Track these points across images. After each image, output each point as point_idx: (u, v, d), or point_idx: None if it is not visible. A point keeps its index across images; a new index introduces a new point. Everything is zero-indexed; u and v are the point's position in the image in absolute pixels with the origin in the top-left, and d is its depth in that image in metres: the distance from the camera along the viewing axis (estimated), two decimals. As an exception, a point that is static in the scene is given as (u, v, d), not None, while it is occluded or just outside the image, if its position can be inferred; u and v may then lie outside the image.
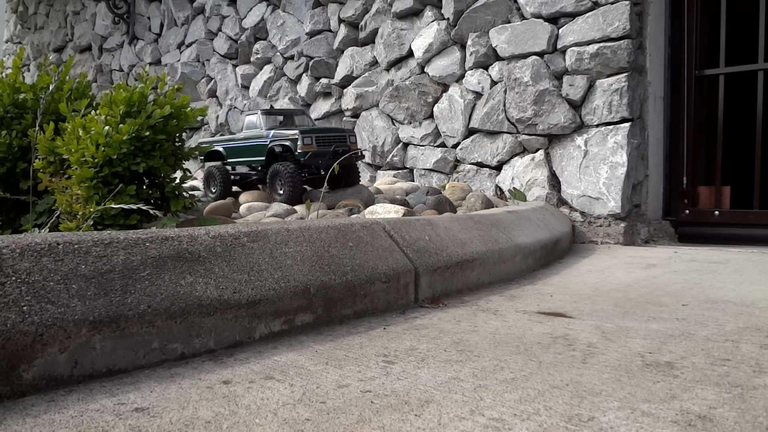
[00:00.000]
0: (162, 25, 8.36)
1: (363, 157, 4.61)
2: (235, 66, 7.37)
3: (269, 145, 4.02)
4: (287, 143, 3.91)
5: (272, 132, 4.04)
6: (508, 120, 4.86)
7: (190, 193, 3.32)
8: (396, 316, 2.23)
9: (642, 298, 2.59)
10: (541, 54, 4.67)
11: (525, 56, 4.74)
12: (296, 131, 3.87)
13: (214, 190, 4.34)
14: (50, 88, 3.05)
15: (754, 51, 4.54)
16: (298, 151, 3.85)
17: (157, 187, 2.94)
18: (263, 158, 4.07)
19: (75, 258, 1.53)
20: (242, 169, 4.38)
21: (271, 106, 5.23)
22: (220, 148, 4.46)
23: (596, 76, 4.43)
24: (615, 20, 4.28)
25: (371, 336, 1.92)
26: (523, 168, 4.81)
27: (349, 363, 1.61)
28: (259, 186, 4.89)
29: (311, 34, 6.44)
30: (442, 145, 5.37)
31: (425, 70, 5.47)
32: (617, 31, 4.27)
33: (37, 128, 2.88)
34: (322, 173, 4.06)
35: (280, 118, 4.35)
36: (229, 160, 4.36)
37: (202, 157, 4.61)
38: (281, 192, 3.91)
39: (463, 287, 2.75)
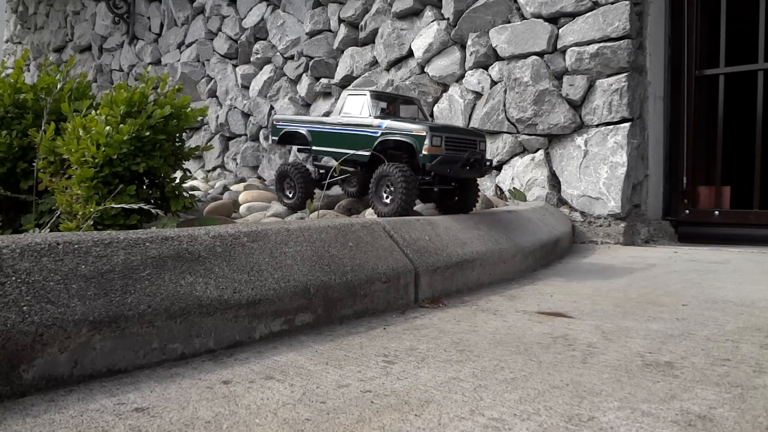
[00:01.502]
0: (162, 25, 8.36)
1: (490, 169, 3.53)
2: (235, 66, 7.37)
3: (379, 138, 3.23)
4: (408, 140, 3.10)
5: (385, 122, 3.22)
6: (508, 120, 4.86)
7: (190, 193, 3.32)
8: (396, 316, 2.23)
9: (642, 298, 2.59)
10: (541, 54, 4.67)
11: (525, 56, 4.74)
12: (424, 126, 3.06)
13: (290, 195, 3.66)
14: (57, 88, 3.05)
15: (754, 51, 4.54)
16: (423, 152, 3.02)
17: (157, 187, 2.94)
18: (368, 154, 3.29)
19: (75, 258, 1.53)
20: (331, 163, 3.55)
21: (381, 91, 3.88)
22: (304, 131, 3.63)
23: (596, 76, 4.43)
24: (615, 20, 4.28)
25: (371, 336, 1.92)
26: (523, 168, 4.81)
27: (349, 363, 1.61)
28: (347, 191, 3.99)
29: (311, 34, 6.44)
30: (442, 145, 5.36)
31: (425, 70, 5.47)
32: (617, 31, 4.27)
33: (42, 129, 2.88)
34: (440, 187, 3.28)
35: (385, 104, 3.67)
36: (314, 148, 3.60)
37: (275, 137, 3.85)
38: (387, 201, 3.10)
39: (463, 287, 2.75)
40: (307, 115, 4.27)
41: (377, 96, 3.42)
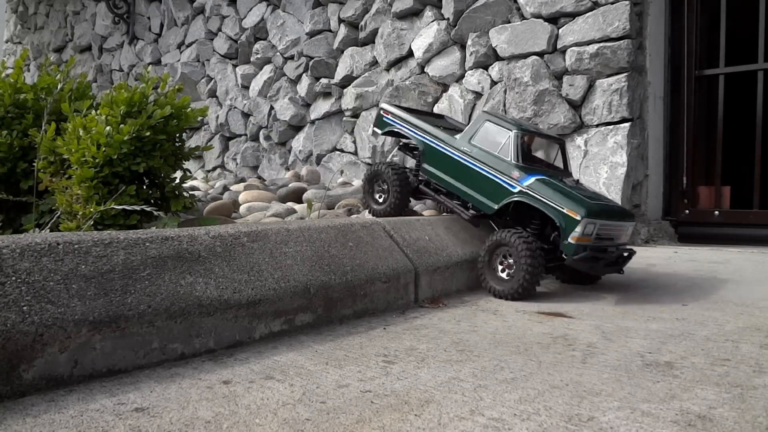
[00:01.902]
0: (162, 25, 8.36)
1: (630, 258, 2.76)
2: (235, 66, 7.37)
3: (515, 197, 2.64)
4: (553, 216, 2.52)
5: (530, 181, 2.60)
6: (508, 120, 4.86)
7: (190, 193, 3.32)
8: (396, 316, 2.23)
9: (642, 297, 2.59)
10: (541, 54, 4.68)
11: (525, 56, 4.75)
12: (579, 208, 2.45)
13: (381, 200, 3.15)
14: (57, 88, 3.05)
15: (754, 51, 4.54)
16: (569, 241, 2.46)
17: (158, 187, 2.94)
18: (495, 206, 2.72)
19: (75, 258, 1.53)
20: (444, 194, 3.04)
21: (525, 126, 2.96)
22: (417, 139, 3.06)
23: (596, 76, 4.43)
24: (615, 20, 4.28)
25: (371, 336, 1.92)
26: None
27: (349, 363, 1.61)
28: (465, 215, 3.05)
29: (311, 34, 6.44)
30: (442, 145, 5.36)
31: (425, 70, 5.47)
32: (617, 31, 4.27)
33: (43, 129, 2.88)
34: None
35: (540, 143, 3.00)
36: (426, 166, 3.01)
37: (378, 129, 3.31)
38: (503, 276, 2.59)
39: (464, 287, 2.75)
40: (424, 114, 3.49)
41: (524, 133, 2.75)
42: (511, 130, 2.71)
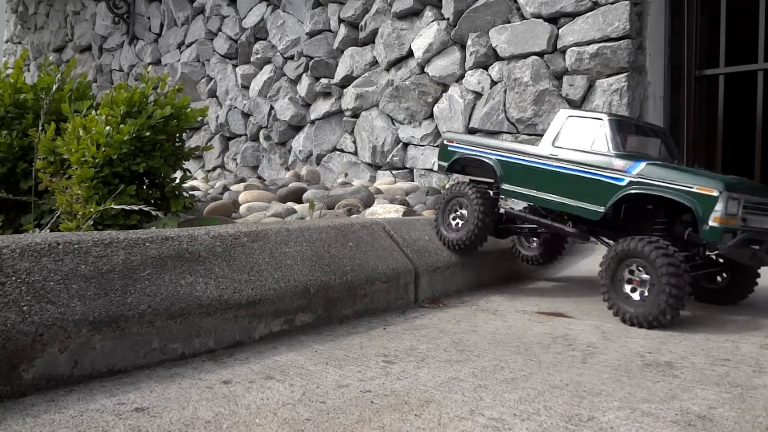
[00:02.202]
0: (162, 25, 8.36)
1: None
2: (235, 66, 7.37)
3: (625, 190, 2.21)
4: (682, 200, 2.08)
5: (639, 166, 2.20)
6: (508, 120, 4.86)
7: (190, 193, 3.32)
8: (396, 316, 2.23)
9: (642, 298, 2.59)
10: (541, 54, 4.67)
11: (525, 56, 4.74)
12: (715, 181, 2.05)
13: (457, 227, 2.70)
14: (54, 88, 3.05)
15: (754, 51, 4.54)
16: (711, 224, 2.01)
17: (158, 187, 2.94)
18: (600, 209, 2.28)
19: (75, 258, 1.53)
20: (532, 211, 2.69)
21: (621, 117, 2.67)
22: (492, 159, 2.68)
23: (596, 76, 4.43)
24: (615, 20, 4.28)
25: (371, 336, 1.92)
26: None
27: (349, 363, 1.61)
28: (523, 254, 3.01)
29: (311, 34, 6.44)
30: (442, 145, 5.36)
31: (425, 70, 5.47)
32: (617, 31, 4.27)
33: (41, 127, 2.88)
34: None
35: (638, 137, 2.51)
36: (506, 187, 2.63)
37: (443, 163, 2.93)
38: (637, 298, 2.11)
39: (464, 287, 2.75)
40: (489, 137, 3.15)
41: (621, 123, 2.37)
42: (601, 119, 2.36)
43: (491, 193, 2.72)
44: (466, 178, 2.98)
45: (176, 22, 8.14)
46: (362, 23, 5.96)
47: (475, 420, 1.23)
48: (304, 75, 6.53)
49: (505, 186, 2.63)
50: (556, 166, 2.42)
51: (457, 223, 2.71)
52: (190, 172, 3.18)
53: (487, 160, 2.70)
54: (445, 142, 2.97)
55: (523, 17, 4.85)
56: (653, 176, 2.14)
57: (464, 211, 2.67)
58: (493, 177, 2.72)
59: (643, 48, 4.49)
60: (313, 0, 6.43)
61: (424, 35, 5.42)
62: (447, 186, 2.93)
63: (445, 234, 2.71)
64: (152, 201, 2.90)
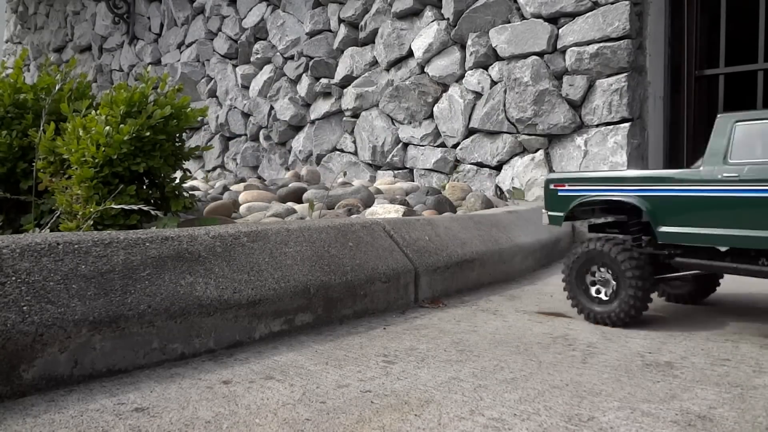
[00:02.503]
0: (162, 25, 8.36)
1: None
2: (235, 66, 7.37)
3: None
4: None
5: None
6: (508, 120, 4.86)
7: (190, 193, 3.32)
8: (396, 316, 2.23)
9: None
10: (541, 54, 4.68)
11: (525, 56, 4.75)
12: None
13: (605, 298, 2.11)
14: (55, 89, 3.05)
15: (754, 51, 4.54)
16: None
17: (157, 187, 2.94)
18: None
19: (75, 258, 1.53)
20: (701, 254, 2.04)
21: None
22: (640, 194, 2.09)
23: (596, 76, 4.43)
24: (615, 20, 4.28)
25: (371, 336, 1.92)
26: (523, 168, 4.81)
27: (349, 363, 1.61)
28: (669, 293, 2.46)
29: (311, 34, 6.44)
30: (442, 145, 5.37)
31: (425, 70, 5.47)
32: (617, 31, 4.27)
33: (41, 129, 2.87)
34: None
35: None
36: (666, 230, 2.01)
37: (557, 214, 2.32)
38: None
39: (463, 287, 2.75)
40: (622, 169, 2.48)
41: None
42: None
43: (642, 251, 2.12)
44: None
45: (176, 22, 8.14)
46: (362, 23, 5.96)
47: (475, 420, 1.23)
48: (304, 75, 6.53)
49: (664, 229, 2.02)
50: (742, 190, 1.86)
51: (601, 292, 2.14)
52: (190, 172, 3.18)
53: (627, 199, 2.10)
54: (552, 186, 2.34)
55: (523, 17, 4.85)
56: None
57: (609, 275, 2.11)
58: (635, 217, 2.18)
59: (643, 48, 4.49)
60: (313, 0, 6.43)
61: (424, 35, 5.42)
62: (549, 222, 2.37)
63: (590, 307, 2.14)
64: (152, 201, 2.90)
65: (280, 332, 1.89)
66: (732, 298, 2.58)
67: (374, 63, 5.92)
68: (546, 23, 4.63)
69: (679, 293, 2.45)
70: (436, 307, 2.41)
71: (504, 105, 4.87)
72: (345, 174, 4.96)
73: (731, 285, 2.88)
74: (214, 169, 7.60)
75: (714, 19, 4.76)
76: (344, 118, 6.16)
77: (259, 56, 6.97)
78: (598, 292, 2.15)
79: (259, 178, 6.84)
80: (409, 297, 2.43)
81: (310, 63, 6.37)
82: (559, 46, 4.58)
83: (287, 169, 6.69)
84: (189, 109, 2.95)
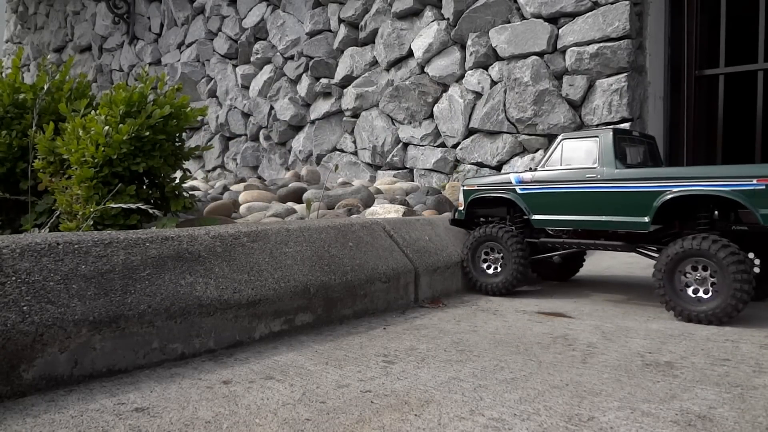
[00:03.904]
0: (162, 25, 8.36)
1: None
2: (235, 66, 7.37)
3: (665, 197, 2.21)
4: (730, 195, 2.09)
5: (675, 171, 2.22)
6: (508, 120, 4.86)
7: (190, 193, 3.32)
8: (396, 316, 2.23)
9: (642, 298, 2.59)
10: (541, 54, 4.68)
11: (525, 56, 4.74)
12: (763, 166, 2.07)
13: (493, 272, 2.68)
14: (45, 86, 3.04)
15: (754, 51, 4.54)
16: None
17: (157, 187, 2.94)
18: (645, 220, 2.26)
19: (75, 258, 1.53)
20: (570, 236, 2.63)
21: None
22: (515, 194, 2.65)
23: (596, 76, 4.43)
24: (615, 20, 4.28)
25: (371, 336, 1.92)
26: (523, 168, 4.81)
27: (349, 363, 1.61)
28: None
29: (311, 34, 6.44)
30: (442, 145, 5.37)
31: (425, 70, 5.47)
32: (617, 31, 4.27)
33: (34, 128, 2.88)
34: None
35: (641, 147, 2.60)
36: (536, 217, 2.59)
37: (460, 210, 2.87)
38: (703, 298, 2.13)
39: (463, 287, 2.75)
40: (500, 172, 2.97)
41: (622, 136, 2.47)
42: (601, 133, 2.45)
43: (519, 233, 2.67)
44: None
45: (176, 22, 8.14)
46: (362, 23, 5.96)
47: (475, 420, 1.23)
48: (304, 75, 6.53)
49: (535, 217, 2.59)
50: (582, 187, 2.47)
51: (491, 267, 2.69)
52: (190, 172, 3.18)
53: (510, 195, 2.66)
54: (464, 187, 2.89)
55: (523, 17, 4.85)
56: (689, 177, 2.23)
57: (500, 254, 2.66)
58: (517, 211, 2.71)
59: (643, 48, 4.50)
60: (313, 0, 6.43)
61: (424, 35, 5.42)
62: (459, 208, 2.88)
63: (480, 280, 2.69)
64: (152, 201, 2.90)
65: (280, 332, 1.89)
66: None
67: (374, 63, 5.92)
68: (546, 23, 4.63)
69: (549, 272, 3.05)
70: (436, 307, 2.41)
71: (504, 105, 4.87)
72: (337, 168, 4.96)
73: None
74: (214, 169, 7.60)
75: (714, 19, 4.76)
76: (344, 118, 6.16)
77: (259, 56, 6.97)
78: (488, 267, 2.70)
79: (259, 178, 6.84)
80: (409, 297, 2.43)
81: (310, 63, 6.37)
82: (559, 46, 4.58)
83: (287, 169, 6.69)
84: (188, 108, 2.95)
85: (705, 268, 2.12)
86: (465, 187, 2.86)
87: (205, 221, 3.01)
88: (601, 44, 4.34)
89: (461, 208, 2.86)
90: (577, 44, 4.46)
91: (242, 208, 3.81)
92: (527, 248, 2.65)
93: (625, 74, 4.30)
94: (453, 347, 1.78)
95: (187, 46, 7.96)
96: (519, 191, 2.64)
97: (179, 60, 8.03)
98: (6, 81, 3.13)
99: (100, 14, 9.31)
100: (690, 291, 2.15)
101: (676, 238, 2.31)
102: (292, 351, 1.72)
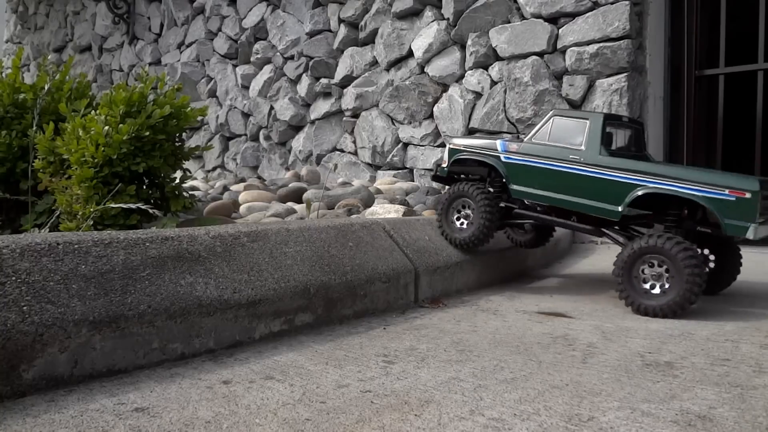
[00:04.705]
0: (162, 25, 8.36)
1: None
2: (235, 66, 7.37)
3: (639, 192, 2.29)
4: (701, 200, 2.18)
5: (654, 167, 2.31)
6: (508, 120, 4.86)
7: (190, 193, 3.32)
8: (396, 316, 2.23)
9: (642, 298, 2.59)
10: (541, 54, 4.68)
11: (525, 56, 4.74)
12: (740, 178, 2.14)
13: (463, 226, 2.75)
14: (45, 86, 3.04)
15: (754, 51, 4.54)
16: (733, 222, 2.14)
17: (157, 187, 2.94)
18: (618, 209, 2.35)
19: (75, 258, 1.53)
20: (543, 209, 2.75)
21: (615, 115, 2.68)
22: (498, 161, 2.70)
23: (596, 76, 4.43)
24: (615, 20, 4.28)
25: (371, 336, 1.92)
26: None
27: (349, 363, 1.61)
28: (516, 239, 3.17)
29: (311, 34, 6.44)
30: (442, 145, 5.37)
31: (425, 70, 5.47)
32: (617, 31, 4.27)
33: (34, 128, 2.87)
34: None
35: (628, 132, 2.65)
36: (514, 187, 2.66)
37: (443, 166, 2.94)
38: (656, 292, 2.23)
39: (464, 287, 2.75)
40: (489, 135, 2.94)
41: (611, 120, 2.50)
42: (591, 117, 2.48)
43: (492, 192, 2.76)
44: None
45: (176, 22, 8.14)
46: (362, 23, 5.96)
47: (475, 420, 1.23)
48: (304, 75, 6.53)
49: (513, 186, 2.67)
50: (562, 166, 2.54)
51: (462, 223, 2.77)
52: (190, 172, 3.18)
53: (491, 161, 2.73)
54: (451, 147, 2.95)
55: (523, 17, 4.85)
56: (664, 176, 2.32)
57: (471, 209, 2.73)
58: (498, 177, 2.74)
59: (643, 48, 4.50)
60: (313, 0, 6.43)
61: (424, 35, 5.42)
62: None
63: (452, 234, 2.77)
64: (152, 201, 2.90)
65: (280, 332, 1.89)
66: (733, 297, 2.58)
67: (374, 63, 5.92)
68: (546, 23, 4.62)
69: (521, 240, 3.14)
70: (436, 307, 2.41)
71: (504, 105, 4.87)
72: (336, 167, 4.95)
73: (733, 285, 2.88)
74: (214, 169, 7.60)
75: (714, 19, 4.76)
76: (344, 118, 6.16)
77: (259, 56, 6.97)
78: (461, 222, 2.77)
79: (259, 178, 6.84)
80: (409, 297, 2.43)
81: (310, 63, 6.37)
82: (559, 46, 4.58)
83: (287, 169, 6.69)
84: (189, 108, 2.95)
85: (660, 265, 2.20)
86: (451, 146, 2.90)
87: (205, 221, 3.01)
88: (601, 44, 4.34)
89: (445, 165, 2.90)
90: (577, 44, 4.46)
91: (242, 208, 3.81)
92: (497, 209, 2.70)
93: (625, 74, 4.30)
94: (453, 347, 1.78)
95: (187, 46, 7.95)
96: (503, 159, 2.68)
97: (179, 60, 8.03)
98: (6, 81, 3.13)
99: (100, 14, 9.31)
100: (647, 286, 2.24)
101: (644, 227, 2.50)
102: (292, 351, 1.72)
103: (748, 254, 3.97)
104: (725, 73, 4.65)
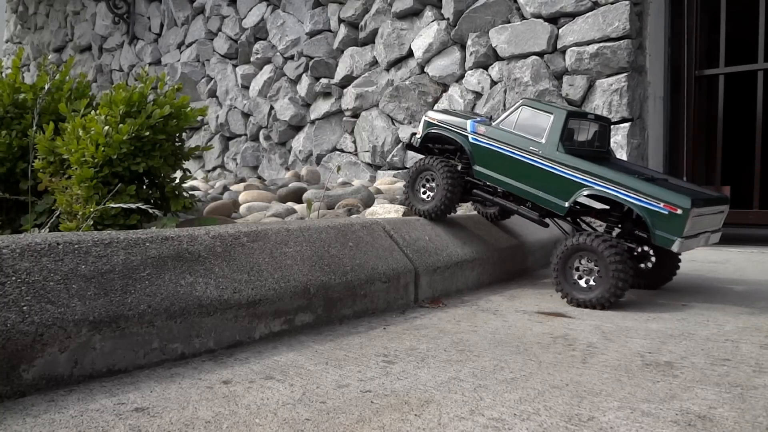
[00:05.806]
0: (162, 25, 8.36)
1: None
2: (235, 66, 7.37)
3: (584, 192, 2.41)
4: (637, 208, 2.31)
5: (604, 171, 2.37)
6: (508, 120, 4.86)
7: (190, 193, 3.32)
8: (396, 316, 2.23)
9: (641, 298, 2.59)
10: (541, 54, 4.68)
11: (525, 56, 4.75)
12: (681, 199, 2.22)
13: (428, 198, 2.85)
14: (46, 86, 3.04)
15: (754, 51, 4.54)
16: (665, 234, 2.26)
17: (157, 187, 2.94)
18: (564, 204, 2.47)
19: (75, 258, 1.53)
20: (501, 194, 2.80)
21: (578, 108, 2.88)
22: (465, 140, 2.76)
23: (596, 76, 4.43)
24: (615, 20, 4.28)
25: (371, 336, 1.92)
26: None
27: (349, 363, 1.61)
28: (483, 212, 3.32)
29: (311, 34, 6.44)
30: (442, 145, 5.37)
31: (425, 70, 5.47)
32: (617, 31, 4.27)
33: (34, 128, 2.88)
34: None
35: (593, 128, 2.69)
36: (477, 168, 2.73)
37: (417, 136, 3.00)
38: (585, 286, 2.39)
39: (464, 287, 2.75)
40: (464, 113, 3.05)
41: (573, 115, 2.56)
42: (555, 110, 2.53)
43: (456, 167, 2.86)
44: None
45: (176, 22, 8.14)
46: (362, 23, 5.96)
47: (475, 420, 1.23)
48: (304, 75, 6.53)
49: (476, 168, 2.76)
50: (519, 155, 2.63)
51: (427, 195, 2.87)
52: (190, 172, 3.18)
53: (460, 139, 2.80)
54: (426, 120, 3.02)
55: (523, 17, 4.85)
56: (609, 181, 2.44)
57: (435, 181, 2.83)
58: (464, 156, 2.84)
59: (643, 48, 4.50)
60: (313, 0, 6.43)
61: (424, 35, 5.43)
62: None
63: (417, 205, 2.89)
64: (152, 201, 2.90)
65: (280, 332, 1.89)
66: (733, 297, 2.58)
67: (374, 63, 5.92)
68: (546, 23, 4.63)
69: (488, 213, 3.27)
70: (436, 307, 2.41)
71: (504, 105, 4.87)
72: (339, 169, 4.95)
73: (733, 286, 2.88)
74: (214, 169, 7.60)
75: (714, 19, 4.76)
76: (344, 118, 6.16)
77: (259, 56, 6.97)
78: (425, 194, 2.87)
79: (259, 178, 6.84)
80: (409, 297, 2.43)
81: (310, 63, 6.37)
82: (559, 46, 4.58)
83: (287, 169, 6.69)
84: (189, 108, 2.95)
85: (590, 260, 2.37)
86: (426, 118, 2.97)
87: (205, 221, 3.01)
88: (601, 44, 4.34)
89: (419, 136, 2.98)
90: (577, 44, 4.47)
91: (242, 208, 3.80)
92: (459, 184, 2.79)
93: (625, 74, 4.30)
94: (453, 347, 1.78)
95: (187, 46, 7.96)
96: (470, 140, 2.76)
97: (179, 60, 8.03)
98: (6, 81, 3.13)
99: (100, 14, 9.31)
100: (582, 281, 2.40)
101: (585, 221, 2.75)
102: (292, 351, 1.72)
103: (748, 254, 3.97)
104: (725, 73, 4.65)
